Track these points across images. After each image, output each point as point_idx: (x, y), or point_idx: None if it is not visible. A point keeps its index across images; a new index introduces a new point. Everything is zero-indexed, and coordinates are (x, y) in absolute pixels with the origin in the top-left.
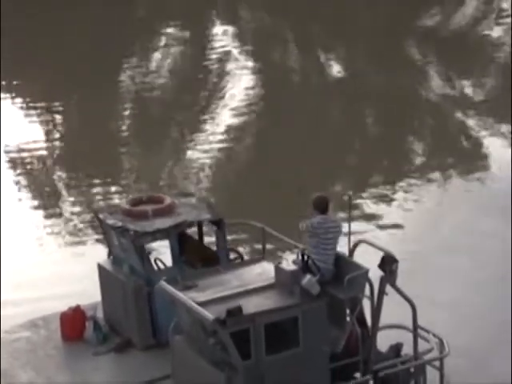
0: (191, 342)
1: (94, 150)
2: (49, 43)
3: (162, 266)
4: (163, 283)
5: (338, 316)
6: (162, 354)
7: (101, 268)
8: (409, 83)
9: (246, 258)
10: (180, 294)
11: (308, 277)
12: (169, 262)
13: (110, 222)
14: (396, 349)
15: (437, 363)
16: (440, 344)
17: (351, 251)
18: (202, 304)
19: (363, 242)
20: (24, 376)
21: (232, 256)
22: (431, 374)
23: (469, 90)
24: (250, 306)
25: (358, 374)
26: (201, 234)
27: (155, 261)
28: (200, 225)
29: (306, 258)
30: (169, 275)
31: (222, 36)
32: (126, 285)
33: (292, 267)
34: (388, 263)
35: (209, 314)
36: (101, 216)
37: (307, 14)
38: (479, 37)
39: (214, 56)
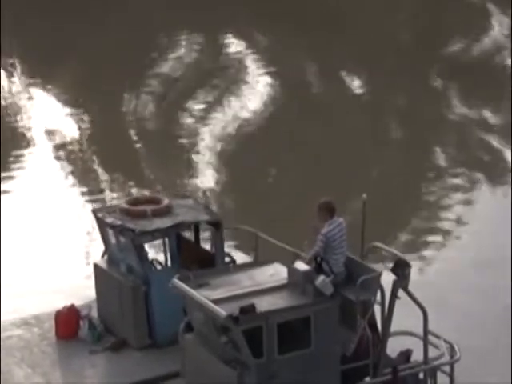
0: (203, 341)
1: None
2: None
3: (158, 267)
4: (176, 281)
5: (349, 318)
6: (157, 353)
7: (96, 267)
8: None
9: (238, 262)
10: (193, 292)
11: (322, 277)
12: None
13: (109, 220)
14: (406, 355)
15: (447, 368)
16: (451, 349)
17: (364, 255)
18: (216, 301)
19: (376, 245)
20: (20, 372)
21: (226, 260)
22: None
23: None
24: (263, 304)
25: (367, 379)
26: (197, 235)
27: (152, 261)
28: (197, 226)
29: (319, 259)
30: (167, 275)
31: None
32: (123, 284)
33: (305, 267)
34: (401, 267)
35: (222, 311)
36: (99, 215)
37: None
38: (501, 66)
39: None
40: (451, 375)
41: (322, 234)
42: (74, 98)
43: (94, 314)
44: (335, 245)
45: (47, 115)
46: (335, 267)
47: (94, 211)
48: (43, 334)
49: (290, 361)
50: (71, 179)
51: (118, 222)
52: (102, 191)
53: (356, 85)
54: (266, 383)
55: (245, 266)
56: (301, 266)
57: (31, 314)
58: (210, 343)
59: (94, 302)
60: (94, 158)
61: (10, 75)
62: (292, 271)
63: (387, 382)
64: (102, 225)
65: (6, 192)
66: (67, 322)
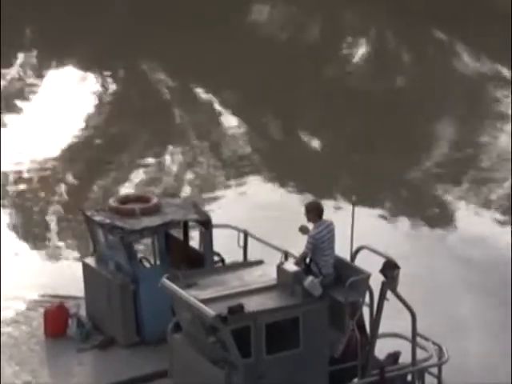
0: (191, 341)
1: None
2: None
3: (147, 265)
4: (165, 280)
5: (338, 320)
6: (145, 351)
7: (85, 265)
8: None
9: (227, 262)
10: (182, 291)
11: (310, 278)
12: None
13: (98, 218)
14: (394, 357)
15: (435, 370)
16: (439, 351)
17: (353, 256)
18: (204, 301)
19: (365, 247)
20: (8, 370)
21: (215, 259)
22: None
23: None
24: (252, 304)
25: (355, 380)
26: (186, 234)
27: (141, 260)
28: (186, 225)
29: (307, 260)
30: (155, 273)
31: None
32: (111, 282)
33: (294, 268)
34: (389, 269)
35: (210, 311)
36: (88, 213)
37: None
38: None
39: None
40: (439, 377)
41: (310, 236)
42: None
43: (83, 312)
44: (324, 246)
45: None
46: (324, 269)
47: (83, 209)
48: (32, 332)
49: (278, 361)
50: None
51: (107, 221)
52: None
53: None
54: (254, 383)
55: (233, 267)
56: (290, 266)
57: (20, 312)
58: (198, 343)
59: (82, 300)
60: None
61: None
62: (281, 272)
63: (375, 382)
64: (90, 223)
65: None
66: (56, 320)
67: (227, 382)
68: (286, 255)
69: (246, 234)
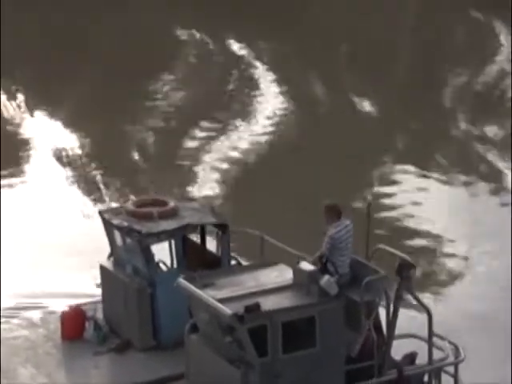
0: (207, 341)
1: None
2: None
3: (164, 269)
4: (182, 280)
5: (354, 320)
6: (161, 355)
7: (103, 269)
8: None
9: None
10: (199, 291)
11: (326, 277)
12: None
13: (116, 222)
14: (410, 357)
15: (451, 369)
16: (455, 350)
17: (369, 257)
18: (221, 301)
19: (381, 248)
20: (25, 372)
21: (232, 263)
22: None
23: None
24: (268, 303)
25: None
26: (203, 237)
27: (158, 263)
28: (203, 229)
29: (324, 259)
30: (173, 277)
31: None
32: (128, 286)
33: (310, 267)
34: (405, 269)
35: (227, 310)
36: (106, 216)
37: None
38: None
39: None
40: (455, 376)
41: (328, 236)
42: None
43: (100, 315)
44: (342, 246)
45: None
46: (341, 268)
47: (101, 212)
48: (48, 335)
49: (294, 360)
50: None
51: (125, 224)
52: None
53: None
54: (271, 382)
55: (250, 267)
56: (306, 266)
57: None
58: (215, 343)
59: (99, 303)
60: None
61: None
62: (297, 271)
63: (391, 382)
64: (108, 226)
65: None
66: (73, 323)
67: (243, 381)
68: (303, 259)
69: (263, 238)
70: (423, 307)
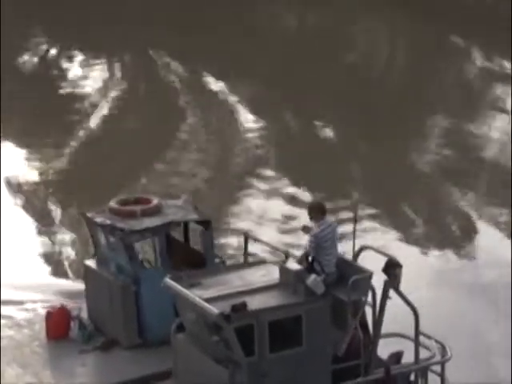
0: (194, 341)
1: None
2: None
3: (148, 266)
4: (168, 280)
5: (340, 319)
6: (147, 352)
7: (87, 268)
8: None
9: (227, 263)
10: (185, 291)
11: (313, 276)
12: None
13: (99, 220)
14: (397, 356)
15: (438, 368)
16: (442, 349)
17: (355, 256)
18: (207, 300)
19: (367, 247)
20: (11, 372)
21: (216, 260)
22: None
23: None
24: (255, 303)
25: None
26: (187, 235)
27: (142, 261)
28: (186, 226)
29: (310, 258)
30: (157, 274)
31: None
32: (112, 283)
33: (297, 267)
34: (392, 267)
35: (214, 309)
36: (89, 215)
37: None
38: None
39: None
40: (442, 375)
41: (312, 235)
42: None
43: (84, 314)
44: (327, 245)
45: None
46: (327, 268)
47: (83, 212)
48: (34, 335)
49: (281, 359)
50: None
51: (108, 222)
52: None
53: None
54: (258, 381)
55: (236, 267)
56: (292, 265)
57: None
58: (202, 342)
59: (83, 302)
60: None
61: None
62: (283, 270)
63: (378, 381)
64: (91, 225)
65: None
66: (58, 322)
67: (231, 380)
68: (287, 256)
69: (247, 236)
70: (410, 306)
